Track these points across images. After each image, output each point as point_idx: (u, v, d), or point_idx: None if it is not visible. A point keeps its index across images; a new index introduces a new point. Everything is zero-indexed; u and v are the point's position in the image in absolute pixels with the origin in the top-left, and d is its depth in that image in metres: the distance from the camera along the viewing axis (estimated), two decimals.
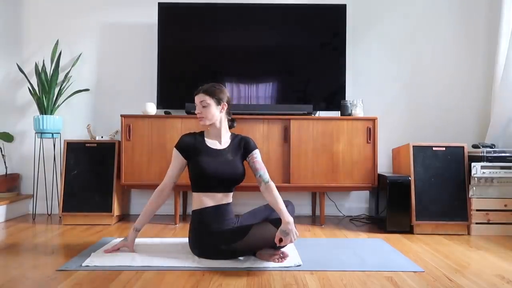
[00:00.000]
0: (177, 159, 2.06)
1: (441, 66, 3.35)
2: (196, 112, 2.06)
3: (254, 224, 1.95)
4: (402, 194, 2.66)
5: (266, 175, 2.02)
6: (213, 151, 2.05)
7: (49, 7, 3.35)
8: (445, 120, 3.33)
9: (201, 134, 2.11)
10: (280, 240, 1.85)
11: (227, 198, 2.05)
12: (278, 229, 1.86)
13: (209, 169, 1.97)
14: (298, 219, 3.07)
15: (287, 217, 1.86)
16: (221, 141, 2.09)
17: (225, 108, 2.09)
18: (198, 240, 1.99)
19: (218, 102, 2.05)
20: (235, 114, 2.33)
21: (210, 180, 1.98)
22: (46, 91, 3.11)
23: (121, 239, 2.36)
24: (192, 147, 2.04)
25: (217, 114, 2.06)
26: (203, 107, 2.03)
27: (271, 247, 1.93)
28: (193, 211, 2.04)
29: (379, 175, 2.84)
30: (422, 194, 2.66)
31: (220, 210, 2.01)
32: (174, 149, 2.06)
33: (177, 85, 3.14)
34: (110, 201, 2.85)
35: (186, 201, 3.27)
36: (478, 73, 3.34)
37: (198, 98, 2.06)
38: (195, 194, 2.04)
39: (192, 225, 2.04)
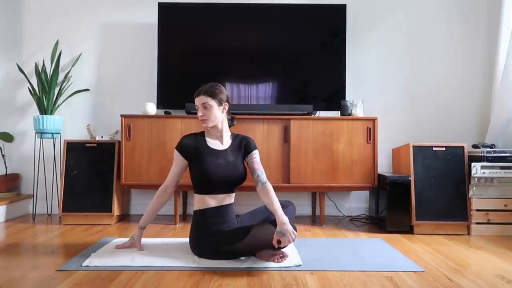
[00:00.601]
0: (178, 160, 2.05)
1: (441, 66, 3.35)
2: (198, 115, 2.04)
3: (255, 224, 1.95)
4: (402, 194, 2.66)
5: (263, 176, 2.01)
6: (215, 152, 2.04)
7: (49, 7, 3.35)
8: (445, 120, 3.33)
9: (202, 134, 2.10)
10: (279, 242, 1.85)
11: (230, 198, 2.06)
12: None
13: (212, 172, 1.96)
14: (298, 219, 3.07)
15: (282, 218, 1.86)
16: (222, 141, 2.09)
17: (227, 108, 2.08)
18: (199, 240, 1.99)
19: (220, 103, 2.04)
20: (235, 114, 2.33)
21: (213, 182, 1.98)
22: (46, 91, 3.11)
23: (121, 239, 2.36)
24: (193, 148, 2.02)
25: (219, 115, 2.04)
26: (205, 108, 2.02)
27: (272, 248, 1.93)
28: (195, 211, 2.04)
29: (379, 175, 2.84)
30: (422, 194, 2.66)
31: (222, 210, 2.01)
32: (175, 150, 2.06)
33: (177, 85, 3.14)
34: (110, 201, 2.85)
35: (186, 201, 3.27)
36: (478, 73, 3.34)
37: (199, 100, 2.03)
38: (197, 195, 2.03)
39: (193, 225, 2.03)
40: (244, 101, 3.12)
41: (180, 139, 2.07)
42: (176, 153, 2.05)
